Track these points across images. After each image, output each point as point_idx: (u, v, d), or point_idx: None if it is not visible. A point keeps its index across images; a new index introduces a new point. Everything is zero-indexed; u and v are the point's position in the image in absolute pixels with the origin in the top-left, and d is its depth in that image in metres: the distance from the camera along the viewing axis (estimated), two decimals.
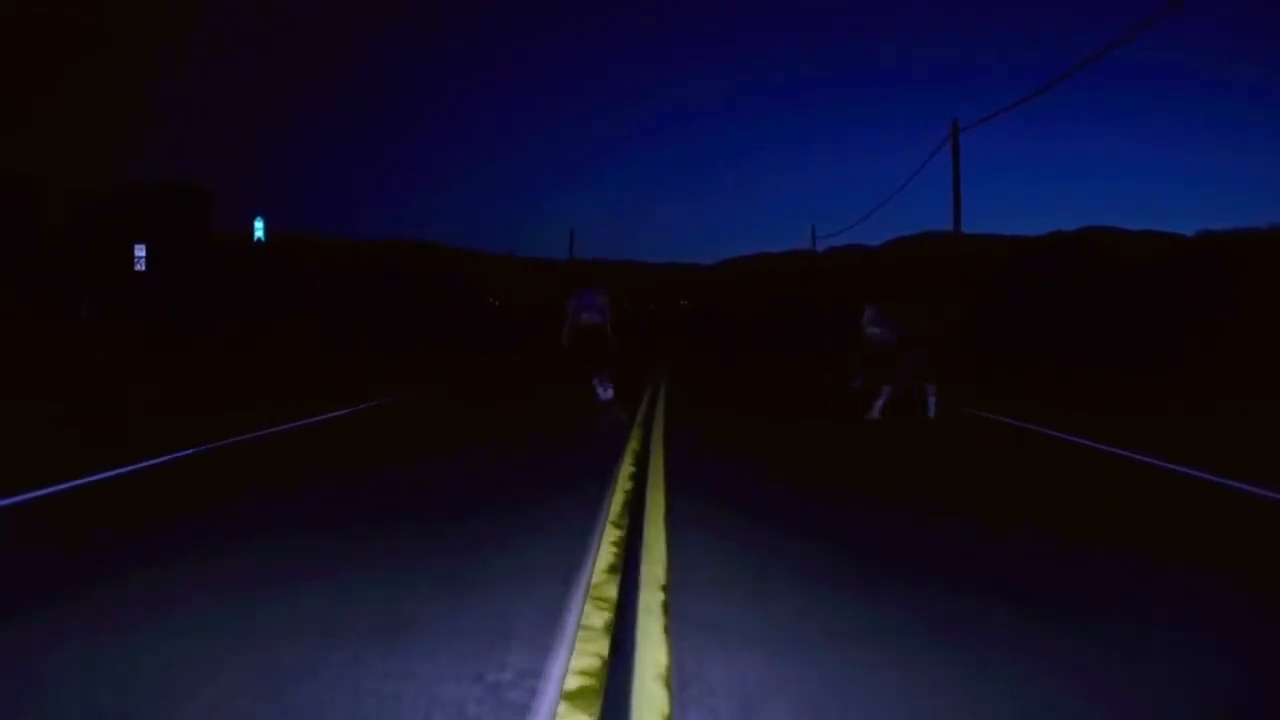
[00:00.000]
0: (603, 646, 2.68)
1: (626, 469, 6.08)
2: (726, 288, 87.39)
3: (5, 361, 16.64)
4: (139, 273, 41.02)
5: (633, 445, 7.40)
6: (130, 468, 5.86)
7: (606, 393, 10.49)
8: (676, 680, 2.47)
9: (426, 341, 29.63)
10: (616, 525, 4.32)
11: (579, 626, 2.84)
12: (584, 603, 3.08)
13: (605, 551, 3.79)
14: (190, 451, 6.54)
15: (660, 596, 3.20)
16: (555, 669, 2.50)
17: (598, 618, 2.93)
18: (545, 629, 2.82)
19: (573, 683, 2.41)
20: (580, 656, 2.59)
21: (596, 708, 2.27)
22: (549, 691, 2.35)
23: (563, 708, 2.26)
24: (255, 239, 51.84)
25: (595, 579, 3.37)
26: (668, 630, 2.85)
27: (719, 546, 4.05)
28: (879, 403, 9.80)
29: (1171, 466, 6.64)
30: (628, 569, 3.55)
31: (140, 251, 42.45)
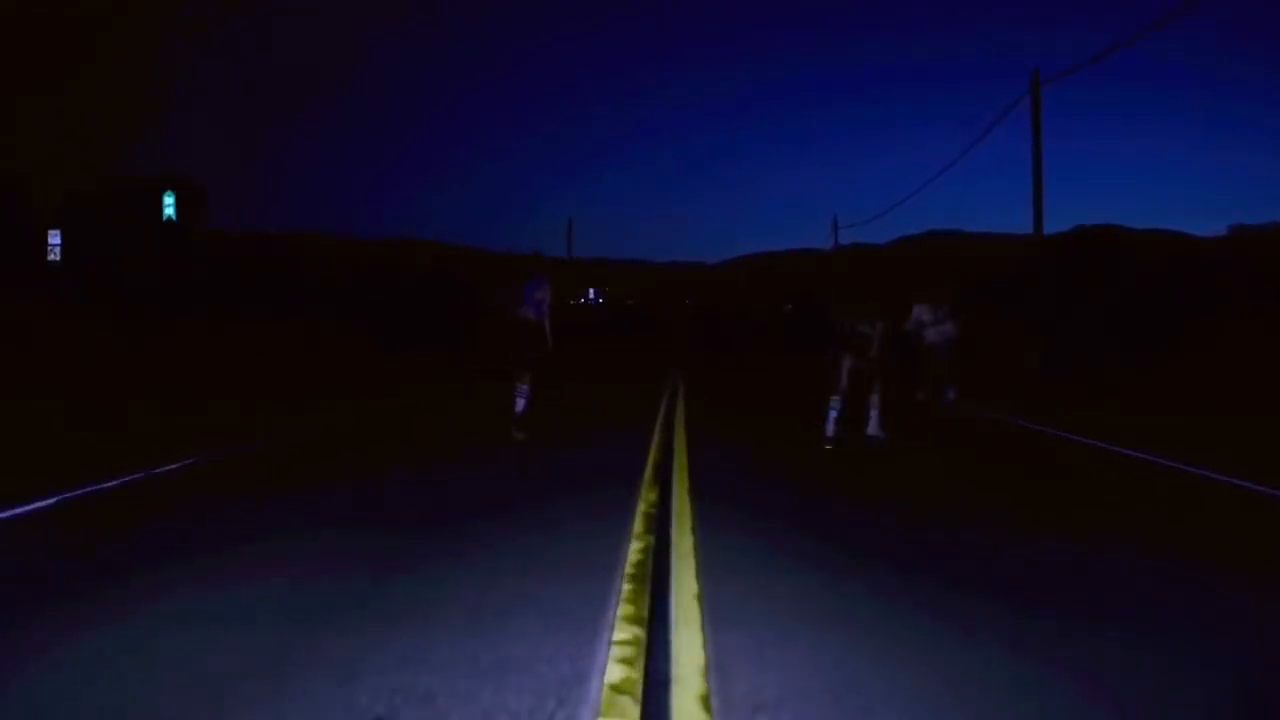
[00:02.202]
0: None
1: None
2: (731, 287, 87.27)
3: None
4: (51, 264, 34.04)
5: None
6: None
7: (520, 404, 8.79)
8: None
9: (426, 341, 29.29)
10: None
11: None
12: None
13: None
14: None
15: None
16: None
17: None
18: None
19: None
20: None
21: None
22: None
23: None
24: (165, 217, 42.14)
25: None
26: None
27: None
28: (950, 395, 9.40)
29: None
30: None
31: (54, 239, 35.69)
